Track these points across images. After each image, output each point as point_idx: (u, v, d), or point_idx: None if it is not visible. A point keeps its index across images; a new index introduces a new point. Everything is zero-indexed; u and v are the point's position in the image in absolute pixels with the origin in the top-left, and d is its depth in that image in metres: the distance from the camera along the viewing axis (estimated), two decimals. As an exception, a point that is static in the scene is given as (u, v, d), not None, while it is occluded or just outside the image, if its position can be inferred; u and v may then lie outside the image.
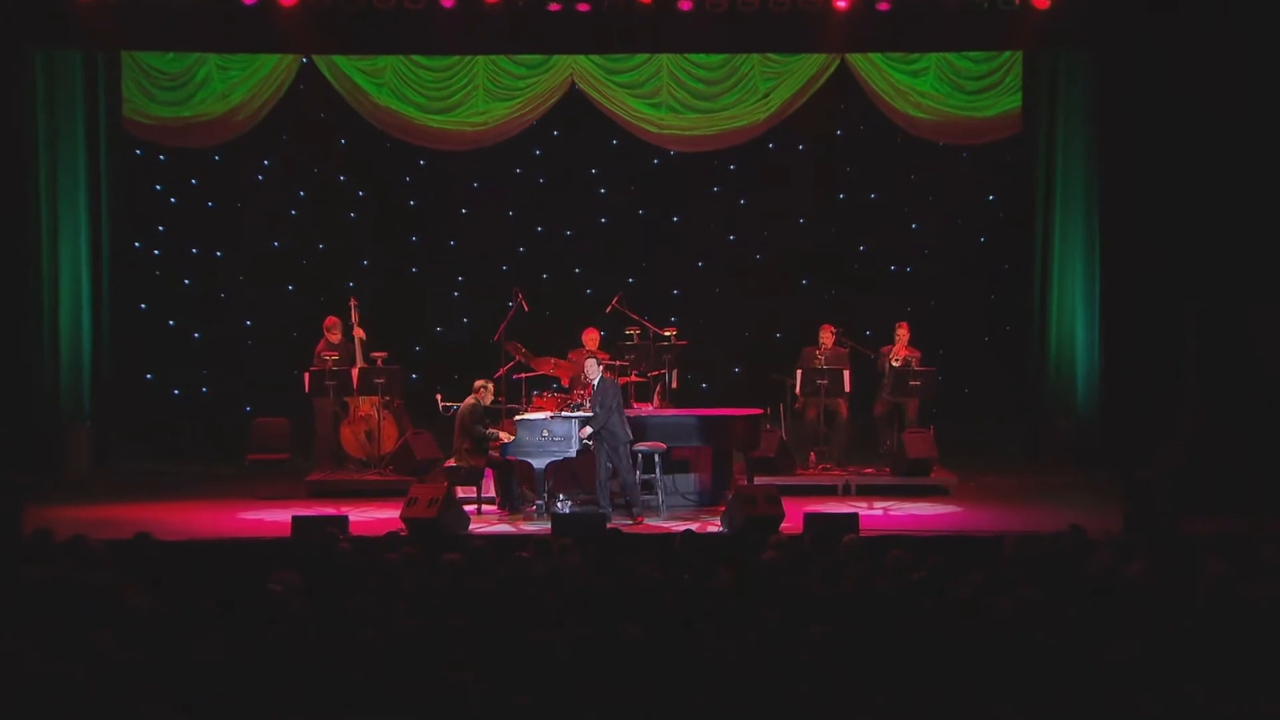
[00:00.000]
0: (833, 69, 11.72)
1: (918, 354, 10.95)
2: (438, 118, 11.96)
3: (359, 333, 11.12)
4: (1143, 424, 10.71)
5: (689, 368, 11.68)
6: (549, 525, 8.43)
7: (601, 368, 9.37)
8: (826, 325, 10.92)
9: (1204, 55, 10.39)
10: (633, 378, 10.38)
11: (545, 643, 4.41)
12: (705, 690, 4.05)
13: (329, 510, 9.35)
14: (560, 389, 10.47)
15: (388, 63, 11.74)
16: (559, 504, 9.51)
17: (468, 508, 9.31)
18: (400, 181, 13.05)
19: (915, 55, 11.66)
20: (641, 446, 9.43)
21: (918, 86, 11.71)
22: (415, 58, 11.77)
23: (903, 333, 10.96)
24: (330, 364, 10.67)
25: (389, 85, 11.79)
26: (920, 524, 9.22)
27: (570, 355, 10.57)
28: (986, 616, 4.87)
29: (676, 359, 10.75)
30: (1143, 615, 4.87)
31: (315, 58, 11.68)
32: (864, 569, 5.87)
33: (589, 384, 9.46)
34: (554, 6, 10.65)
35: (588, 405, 9.47)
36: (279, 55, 11.57)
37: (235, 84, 11.69)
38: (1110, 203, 11.36)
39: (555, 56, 11.76)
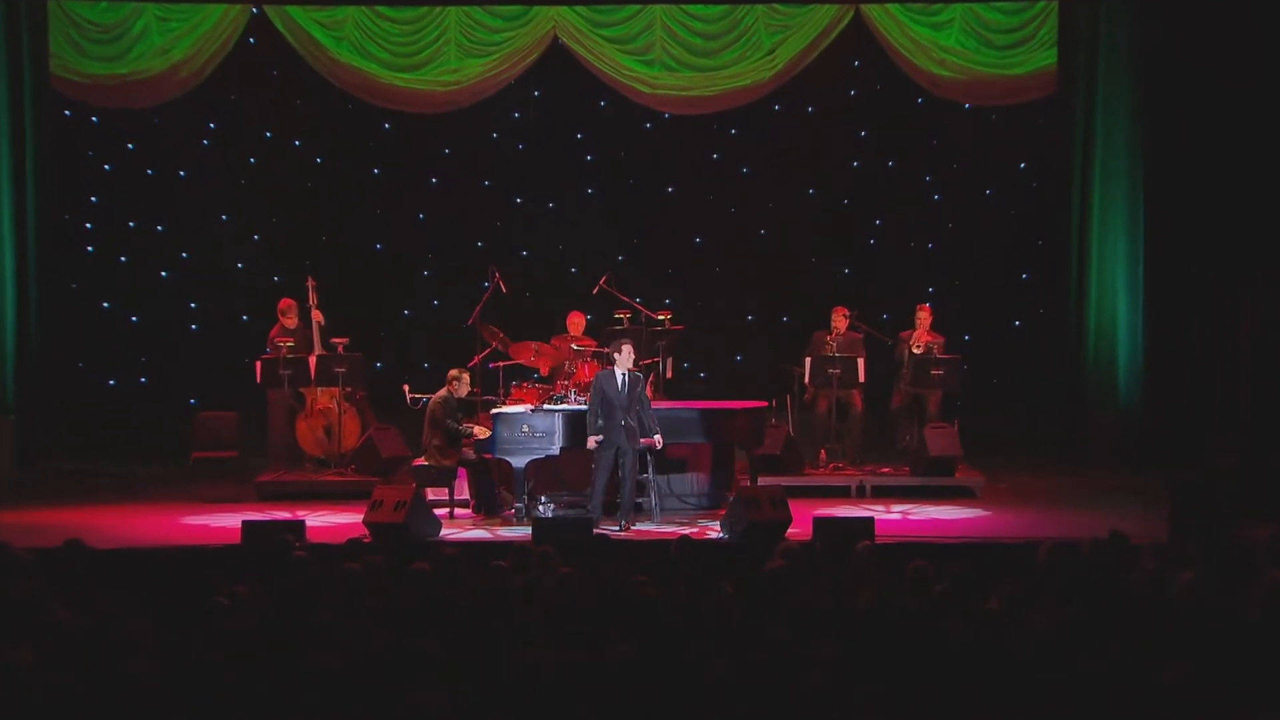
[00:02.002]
0: (846, 21, 11.67)
1: (941, 340, 10.94)
2: (405, 76, 11.90)
3: (317, 316, 11.09)
4: (1191, 418, 10.71)
5: (685, 355, 11.66)
6: (529, 531, 8.41)
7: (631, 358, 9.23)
8: (839, 308, 10.92)
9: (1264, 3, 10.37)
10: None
11: (524, 664, 4.39)
12: (702, 716, 4.03)
13: (283, 515, 9.34)
14: (541, 379, 10.43)
15: (348, 14, 11.67)
16: (540, 507, 9.49)
17: (438, 512, 9.28)
18: (363, 147, 13.01)
19: (938, 5, 11.63)
20: (632, 443, 9.40)
21: (941, 41, 11.67)
22: (379, 8, 11.71)
23: (924, 316, 10.94)
24: (285, 351, 10.62)
25: (350, 39, 11.72)
26: (943, 530, 9.22)
27: (553, 341, 10.55)
28: (1018, 634, 4.86)
29: (672, 346, 10.73)
30: (1194, 631, 4.86)
31: (267, 8, 11.61)
32: (881, 580, 5.86)
33: (573, 371, 9.41)
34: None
35: (573, 398, 9.46)
36: (226, 5, 11.49)
37: (177, 37, 11.61)
38: (1157, 171, 11.34)
39: (536, 7, 11.71)
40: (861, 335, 10.94)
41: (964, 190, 12.93)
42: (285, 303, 11.02)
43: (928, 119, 12.55)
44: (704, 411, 10.01)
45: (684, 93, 12.06)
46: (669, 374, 10.78)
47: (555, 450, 9.39)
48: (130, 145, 12.66)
